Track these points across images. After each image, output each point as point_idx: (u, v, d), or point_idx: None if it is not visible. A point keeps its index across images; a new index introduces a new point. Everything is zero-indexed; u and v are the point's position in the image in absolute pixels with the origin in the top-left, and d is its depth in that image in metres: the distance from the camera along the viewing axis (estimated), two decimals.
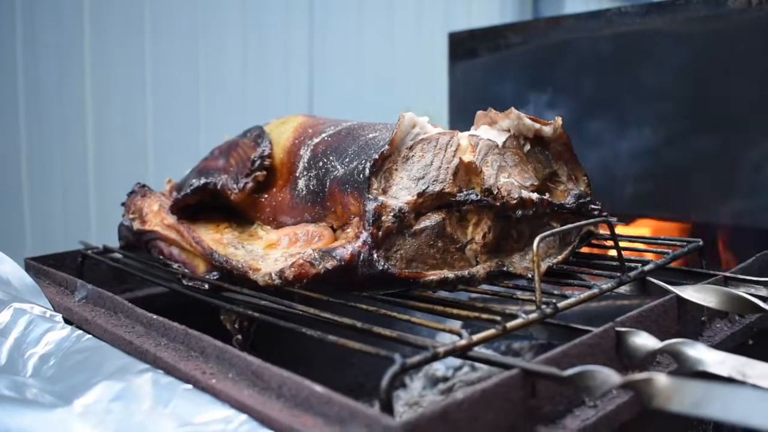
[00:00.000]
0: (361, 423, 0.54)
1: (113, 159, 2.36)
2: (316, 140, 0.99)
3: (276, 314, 0.78)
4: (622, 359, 0.71)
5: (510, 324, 0.69)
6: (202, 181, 1.04)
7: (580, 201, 0.91)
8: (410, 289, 0.83)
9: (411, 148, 0.85)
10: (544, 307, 0.72)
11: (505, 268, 0.85)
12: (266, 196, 1.04)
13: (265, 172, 1.04)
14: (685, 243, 0.95)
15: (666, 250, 0.93)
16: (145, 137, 2.44)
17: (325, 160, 0.94)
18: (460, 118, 1.69)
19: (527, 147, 0.90)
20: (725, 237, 1.36)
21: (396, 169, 0.85)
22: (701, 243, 0.95)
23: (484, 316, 0.69)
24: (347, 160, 0.90)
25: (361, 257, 0.80)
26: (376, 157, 0.83)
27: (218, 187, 1.03)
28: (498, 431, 0.58)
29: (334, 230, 0.93)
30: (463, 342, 0.64)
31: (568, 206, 0.89)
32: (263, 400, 0.62)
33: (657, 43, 1.32)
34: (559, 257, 0.90)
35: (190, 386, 0.65)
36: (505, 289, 0.83)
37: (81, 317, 0.91)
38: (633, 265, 0.86)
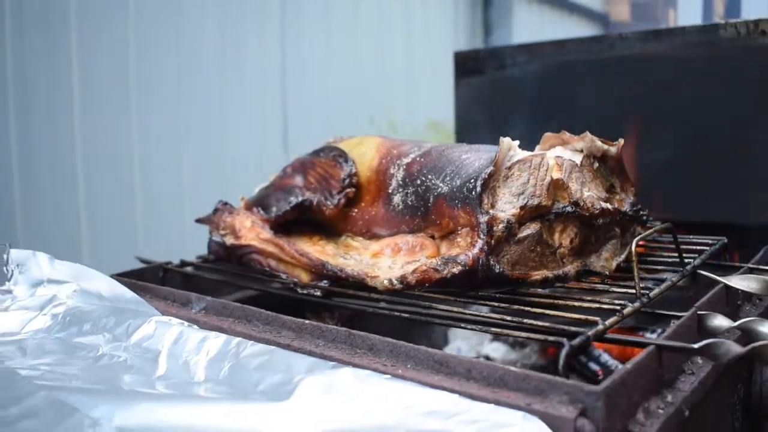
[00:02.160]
0: (561, 391, 0.70)
1: (101, 171, 2.38)
2: (406, 160, 1.14)
3: (418, 314, 0.92)
4: (703, 336, 0.90)
5: (626, 311, 0.86)
6: (299, 198, 1.16)
7: (635, 208, 1.10)
8: (516, 288, 0.99)
9: (510, 168, 1.01)
10: (642, 296, 0.91)
11: (587, 268, 1.03)
12: (356, 210, 1.18)
13: (354, 189, 1.17)
14: (715, 240, 1.16)
15: (702, 248, 1.13)
16: (131, 150, 2.48)
17: (423, 179, 1.09)
18: (467, 128, 1.86)
19: (596, 164, 1.08)
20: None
21: (499, 187, 1.01)
22: (726, 240, 1.16)
23: (605, 306, 0.87)
24: (448, 178, 1.05)
25: (480, 262, 0.96)
26: (486, 177, 0.99)
27: (314, 203, 1.16)
28: (646, 393, 0.75)
29: (433, 239, 1.08)
30: (601, 327, 0.81)
31: (629, 213, 1.08)
32: (457, 383, 0.77)
33: (655, 66, 1.54)
34: (622, 256, 1.08)
35: (388, 376, 0.78)
36: (589, 284, 1.01)
37: (215, 326, 1.02)
38: (687, 260, 1.06)
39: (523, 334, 0.81)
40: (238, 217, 1.21)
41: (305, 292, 1.08)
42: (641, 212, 1.10)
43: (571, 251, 1.02)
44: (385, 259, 1.07)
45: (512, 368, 0.73)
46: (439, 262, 0.98)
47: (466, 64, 1.85)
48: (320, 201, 1.15)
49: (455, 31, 3.79)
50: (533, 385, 0.72)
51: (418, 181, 1.09)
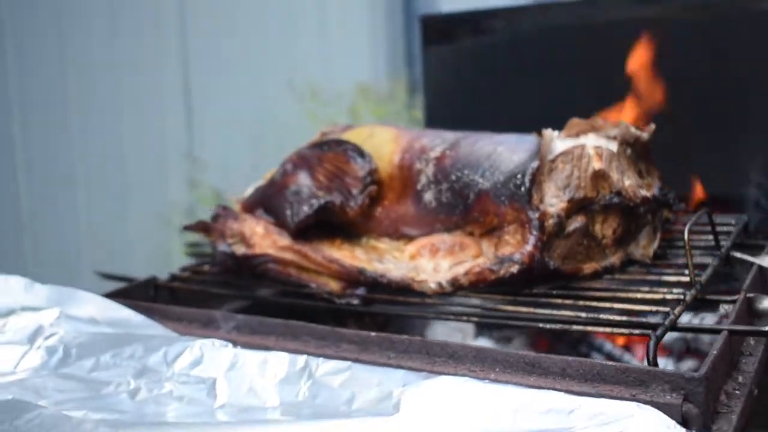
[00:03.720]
0: (662, 381, 0.92)
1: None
2: (434, 154, 1.32)
3: (491, 317, 1.12)
4: (752, 317, 1.17)
5: (688, 299, 1.10)
6: (322, 200, 1.32)
7: (663, 192, 1.35)
8: (568, 282, 1.21)
9: (553, 161, 1.23)
10: (695, 283, 1.15)
11: (630, 257, 1.27)
12: (380, 209, 1.35)
13: (376, 187, 1.35)
14: (737, 220, 1.43)
15: (728, 228, 1.40)
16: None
17: (459, 174, 1.28)
18: (438, 102, 2.06)
19: (628, 151, 1.31)
20: None
21: (544, 181, 1.22)
22: (747, 218, 1.43)
23: (669, 297, 1.10)
24: (488, 173, 1.25)
25: (536, 259, 1.17)
26: (534, 171, 1.20)
27: (337, 204, 1.32)
28: (724, 376, 0.99)
29: (471, 237, 1.28)
30: (673, 317, 1.05)
31: (661, 199, 1.32)
32: (554, 382, 0.97)
33: (650, 30, 1.80)
34: (656, 242, 1.33)
35: (487, 381, 0.98)
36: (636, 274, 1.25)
37: (258, 346, 1.17)
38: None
39: (607, 330, 1.03)
40: (246, 223, 1.35)
41: (344, 301, 1.25)
42: (669, 196, 1.35)
43: (614, 241, 1.25)
44: (424, 261, 1.26)
45: (610, 363, 0.95)
46: (494, 262, 1.18)
47: (435, 31, 2.04)
48: (343, 202, 1.32)
49: None
50: (633, 376, 0.94)
51: (453, 177, 1.28)
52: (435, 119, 2.04)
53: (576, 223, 1.20)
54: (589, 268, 1.20)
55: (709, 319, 1.55)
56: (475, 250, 1.24)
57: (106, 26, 2.64)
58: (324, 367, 1.06)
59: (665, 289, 1.13)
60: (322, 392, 1.03)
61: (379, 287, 1.26)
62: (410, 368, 1.04)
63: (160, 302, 1.41)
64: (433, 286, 1.20)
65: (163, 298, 1.41)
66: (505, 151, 1.26)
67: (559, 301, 1.14)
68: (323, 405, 1.01)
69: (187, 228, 1.44)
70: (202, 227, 1.42)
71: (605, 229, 1.23)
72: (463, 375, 1.00)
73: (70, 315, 1.32)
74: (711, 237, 1.30)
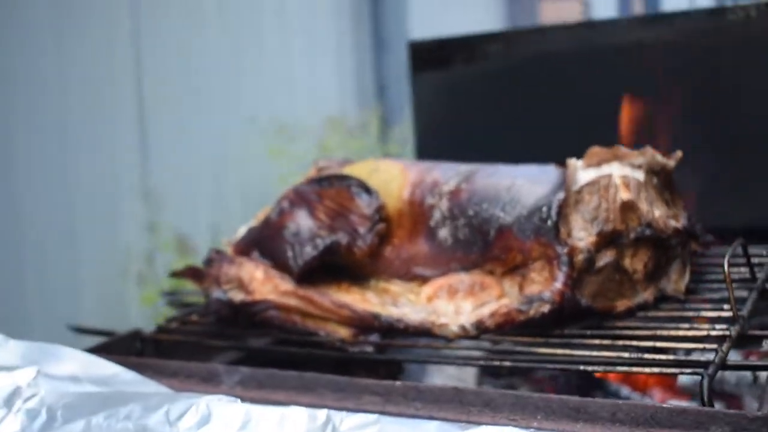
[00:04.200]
0: (722, 422, 0.95)
1: None
2: (447, 188, 1.35)
3: (528, 361, 1.14)
4: None
5: (733, 334, 1.13)
6: (327, 241, 1.33)
7: (691, 223, 1.39)
8: (601, 321, 1.23)
9: (579, 192, 1.26)
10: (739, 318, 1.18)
11: (662, 293, 1.30)
12: (389, 249, 1.37)
13: (384, 225, 1.36)
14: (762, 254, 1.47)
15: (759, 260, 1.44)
16: None
17: (477, 209, 1.30)
18: (429, 131, 2.09)
19: (654, 180, 1.35)
20: None
21: (570, 213, 1.24)
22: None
23: (713, 333, 1.13)
24: (509, 207, 1.27)
25: (566, 297, 1.19)
26: (560, 203, 1.22)
27: (343, 245, 1.33)
28: None
29: (491, 275, 1.30)
30: (722, 354, 1.07)
31: (691, 230, 1.36)
32: (603, 428, 0.99)
33: (652, 54, 1.86)
34: (687, 276, 1.36)
35: (532, 430, 0.99)
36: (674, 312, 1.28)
37: (269, 401, 1.16)
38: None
39: (655, 370, 1.05)
40: (244, 267, 1.35)
41: (357, 349, 1.25)
42: (696, 227, 1.39)
43: (645, 276, 1.28)
44: (443, 304, 1.27)
45: (664, 405, 0.97)
46: (521, 302, 1.20)
47: (426, 56, 2.08)
48: (350, 242, 1.33)
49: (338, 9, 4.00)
50: (691, 419, 0.96)
51: (471, 212, 1.30)
52: (426, 149, 2.07)
53: (606, 257, 1.23)
54: (621, 305, 1.23)
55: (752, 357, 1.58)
56: (498, 290, 1.25)
57: (54, 55, 2.64)
58: (349, 421, 1.05)
59: (707, 326, 1.16)
60: None
61: (393, 333, 1.26)
62: (443, 419, 1.04)
63: (148, 357, 1.39)
64: (455, 329, 1.21)
65: (150, 352, 1.40)
66: (525, 183, 1.29)
67: (597, 341, 1.16)
68: None
69: (175, 275, 1.43)
70: (192, 273, 1.41)
71: (636, 263, 1.26)
72: (504, 425, 1.01)
73: (49, 374, 1.30)
74: (743, 269, 1.34)
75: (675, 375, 1.06)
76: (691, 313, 1.23)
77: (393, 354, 1.26)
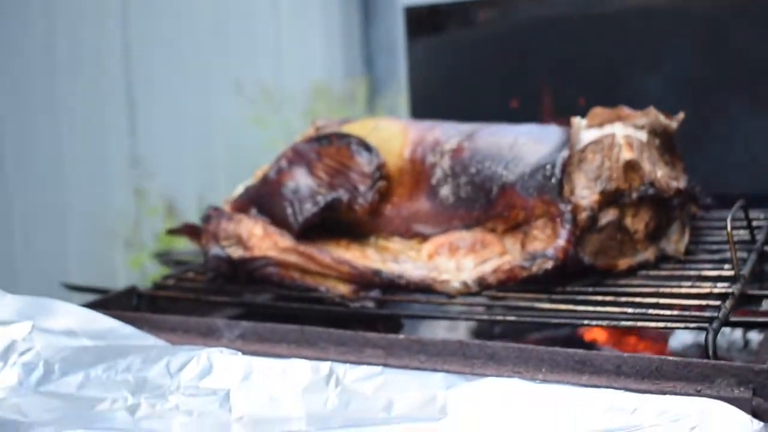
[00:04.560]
0: (728, 374, 0.95)
1: None
2: (449, 146, 1.34)
3: (532, 316, 1.14)
4: None
5: (736, 292, 1.14)
6: (329, 197, 1.32)
7: (691, 185, 1.39)
8: (602, 279, 1.24)
9: (583, 150, 1.25)
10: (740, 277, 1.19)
11: (663, 253, 1.30)
12: (389, 207, 1.36)
13: (385, 182, 1.36)
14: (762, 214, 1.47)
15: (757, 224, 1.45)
16: None
17: (480, 167, 1.30)
18: (425, 98, 2.08)
19: (656, 141, 1.35)
20: None
21: (574, 172, 1.24)
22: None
23: (716, 291, 1.14)
24: (512, 165, 1.27)
25: (569, 254, 1.19)
26: (564, 161, 1.22)
27: (344, 201, 1.33)
28: None
29: (492, 233, 1.29)
30: (725, 310, 1.08)
31: (691, 192, 1.36)
32: (609, 380, 0.99)
33: (659, 22, 1.85)
34: (686, 237, 1.37)
35: (537, 381, 0.99)
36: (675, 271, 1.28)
37: (270, 355, 1.16)
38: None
39: (660, 325, 1.06)
40: (243, 223, 1.34)
41: (358, 305, 1.25)
42: (696, 189, 1.40)
43: (646, 236, 1.28)
44: (444, 260, 1.27)
45: (669, 358, 0.97)
46: (524, 259, 1.19)
47: (421, 23, 2.06)
48: (351, 199, 1.32)
49: None
50: (697, 371, 0.96)
51: (473, 170, 1.30)
52: (420, 116, 2.05)
53: (608, 216, 1.23)
54: (623, 263, 1.23)
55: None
56: (500, 247, 1.25)
57: (42, 22, 2.60)
58: (353, 373, 1.05)
59: (709, 284, 1.17)
60: (354, 400, 1.02)
61: (394, 289, 1.26)
62: (449, 371, 1.04)
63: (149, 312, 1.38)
64: (457, 285, 1.21)
65: (146, 309, 1.39)
66: (528, 142, 1.28)
67: (599, 297, 1.16)
68: (358, 413, 1.01)
69: (172, 232, 1.42)
70: (189, 230, 1.40)
71: (637, 223, 1.26)
72: (509, 376, 1.01)
73: (45, 328, 1.29)
74: (742, 232, 1.34)
75: (680, 329, 1.07)
76: (692, 272, 1.24)
77: (394, 309, 1.25)
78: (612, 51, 1.92)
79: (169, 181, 3.00)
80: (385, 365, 1.07)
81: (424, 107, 2.12)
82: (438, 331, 1.67)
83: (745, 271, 1.20)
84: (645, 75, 1.87)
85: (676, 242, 1.31)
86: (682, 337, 1.69)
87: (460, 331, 1.93)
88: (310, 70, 3.73)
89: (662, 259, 1.30)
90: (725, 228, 1.35)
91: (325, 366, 1.07)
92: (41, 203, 2.56)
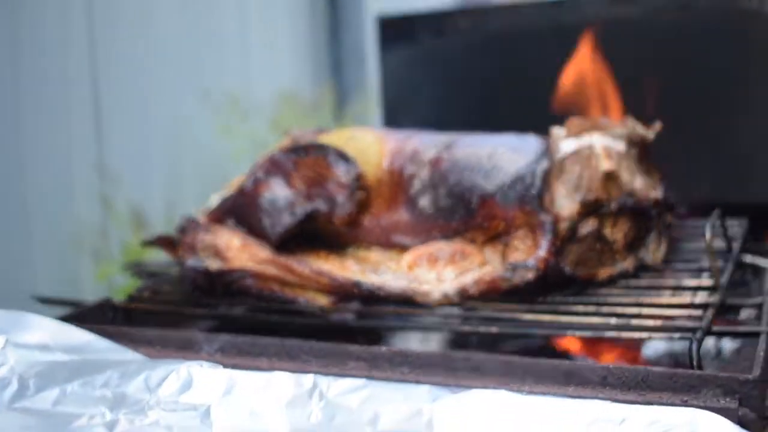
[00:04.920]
0: (713, 385, 0.95)
1: None
2: (427, 157, 1.33)
3: (515, 327, 1.14)
4: None
5: (715, 302, 1.14)
6: (307, 208, 1.31)
7: (667, 195, 1.40)
8: (583, 289, 1.24)
9: (562, 161, 1.26)
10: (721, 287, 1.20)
11: (642, 262, 1.31)
12: (368, 217, 1.35)
13: (364, 193, 1.35)
14: (738, 222, 1.49)
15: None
16: None
17: (459, 177, 1.29)
18: (398, 108, 2.08)
19: (632, 151, 1.36)
20: None
21: (553, 182, 1.24)
22: (747, 221, 1.50)
23: (696, 301, 1.14)
24: (491, 175, 1.27)
25: (550, 264, 1.19)
26: (544, 172, 1.22)
27: (323, 212, 1.32)
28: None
29: (472, 245, 1.29)
30: (707, 321, 1.08)
31: (668, 202, 1.37)
32: (595, 391, 0.99)
33: (625, 33, 1.87)
34: (663, 247, 1.38)
35: (523, 392, 0.99)
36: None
37: (250, 368, 1.14)
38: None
39: (644, 335, 1.06)
40: (220, 235, 1.32)
41: (337, 317, 1.24)
42: (670, 199, 1.41)
43: (624, 246, 1.29)
44: (424, 272, 1.26)
45: (655, 368, 0.97)
46: (506, 270, 1.19)
47: (394, 32, 2.06)
48: (329, 209, 1.31)
49: None
50: (682, 382, 0.96)
51: (452, 181, 1.30)
52: (394, 125, 2.05)
53: (588, 226, 1.23)
54: (603, 273, 1.24)
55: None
56: (480, 258, 1.25)
57: (6, 28, 2.55)
58: (337, 386, 1.04)
59: (689, 294, 1.17)
60: (339, 413, 1.01)
61: (373, 301, 1.25)
62: (433, 383, 1.03)
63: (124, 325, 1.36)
64: (437, 296, 1.21)
65: (121, 323, 1.36)
66: (507, 152, 1.28)
67: (581, 308, 1.16)
68: (343, 427, 1.00)
69: (147, 244, 1.40)
70: (165, 241, 1.38)
71: (615, 233, 1.27)
72: (496, 388, 1.01)
73: (17, 342, 1.26)
74: (716, 240, 1.35)
75: (663, 339, 1.07)
76: (671, 282, 1.25)
77: (376, 321, 1.24)
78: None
79: (136, 190, 2.97)
80: (369, 377, 1.06)
81: (396, 116, 2.12)
82: (414, 343, 1.66)
83: (724, 280, 1.21)
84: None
85: (653, 251, 1.32)
86: (655, 346, 1.71)
87: (433, 344, 1.93)
88: (278, 78, 3.72)
89: (641, 268, 1.31)
90: (701, 237, 1.37)
91: (308, 379, 1.06)
92: (3, 212, 2.52)
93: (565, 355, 1.85)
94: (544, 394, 0.98)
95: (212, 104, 3.23)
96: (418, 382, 1.05)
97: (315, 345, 1.13)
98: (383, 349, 1.09)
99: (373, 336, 1.38)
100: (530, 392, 0.99)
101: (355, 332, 1.31)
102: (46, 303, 1.48)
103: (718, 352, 1.62)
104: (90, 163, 2.84)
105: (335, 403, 1.02)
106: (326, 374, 1.08)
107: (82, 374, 1.14)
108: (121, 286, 2.76)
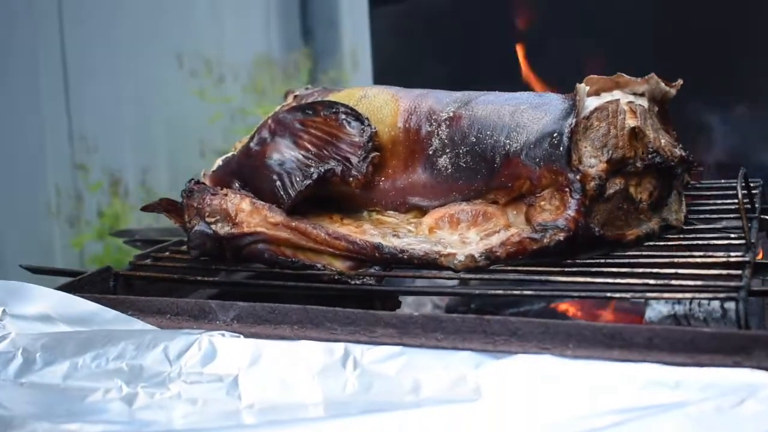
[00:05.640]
0: (765, 344, 0.92)
1: None
2: (445, 115, 1.28)
3: (552, 290, 1.10)
4: None
5: (751, 260, 1.11)
6: (321, 169, 1.25)
7: (687, 153, 1.36)
8: (611, 250, 1.20)
9: (588, 118, 1.21)
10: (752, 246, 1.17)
11: (666, 222, 1.28)
12: (382, 179, 1.30)
13: (379, 154, 1.29)
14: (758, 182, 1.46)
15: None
16: None
17: (480, 136, 1.24)
18: (389, 68, 2.02)
19: (656, 108, 1.32)
20: None
21: (580, 140, 1.20)
22: (761, 181, 1.48)
23: (732, 260, 1.11)
24: (514, 134, 1.22)
25: (579, 225, 1.15)
26: (571, 129, 1.18)
27: (338, 173, 1.26)
28: None
29: (495, 205, 1.25)
30: (747, 279, 1.05)
31: (691, 160, 1.33)
32: (641, 353, 0.95)
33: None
34: (684, 206, 1.34)
35: (567, 357, 0.95)
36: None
37: (273, 337, 1.09)
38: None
39: (688, 296, 1.03)
40: (228, 198, 1.26)
41: (359, 282, 1.19)
42: (690, 156, 1.37)
43: (649, 206, 1.25)
44: (446, 234, 1.22)
45: (705, 329, 0.94)
46: (535, 230, 1.15)
47: None
48: (344, 170, 1.25)
49: None
50: (733, 342, 0.93)
51: (473, 139, 1.25)
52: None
53: (615, 185, 1.20)
54: (631, 234, 1.20)
55: None
56: (503, 220, 1.21)
57: None
58: (371, 353, 1.00)
59: (722, 253, 1.14)
60: (376, 382, 0.97)
61: (395, 265, 1.21)
62: (471, 349, 0.99)
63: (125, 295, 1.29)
64: (462, 259, 1.16)
65: (122, 291, 1.30)
66: (530, 109, 1.24)
67: (614, 269, 1.12)
68: (382, 396, 0.95)
69: (148, 208, 1.33)
70: (166, 206, 1.32)
71: (641, 192, 1.23)
72: (537, 353, 0.97)
73: (16, 314, 1.20)
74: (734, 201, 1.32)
75: (708, 300, 1.04)
76: (699, 242, 1.21)
77: (404, 285, 1.20)
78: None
79: (110, 155, 2.87)
80: (401, 344, 1.02)
81: (387, 78, 2.06)
82: (424, 309, 1.63)
83: (754, 240, 1.18)
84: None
85: (676, 211, 1.28)
86: (658, 308, 1.69)
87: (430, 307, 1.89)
88: (251, 43, 3.62)
89: (665, 228, 1.27)
90: (722, 196, 1.34)
91: (339, 347, 1.01)
92: None
93: (564, 317, 1.83)
94: (588, 358, 0.95)
95: (185, 69, 3.14)
96: (454, 348, 1.00)
97: (340, 311, 1.08)
98: (415, 314, 1.05)
99: (394, 303, 1.33)
100: (574, 356, 0.95)
101: (375, 297, 1.26)
102: (37, 273, 1.41)
103: (724, 312, 1.60)
104: (62, 129, 2.74)
105: (371, 371, 0.98)
106: (355, 342, 1.03)
107: (93, 346, 1.09)
108: (94, 254, 2.68)
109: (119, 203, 2.81)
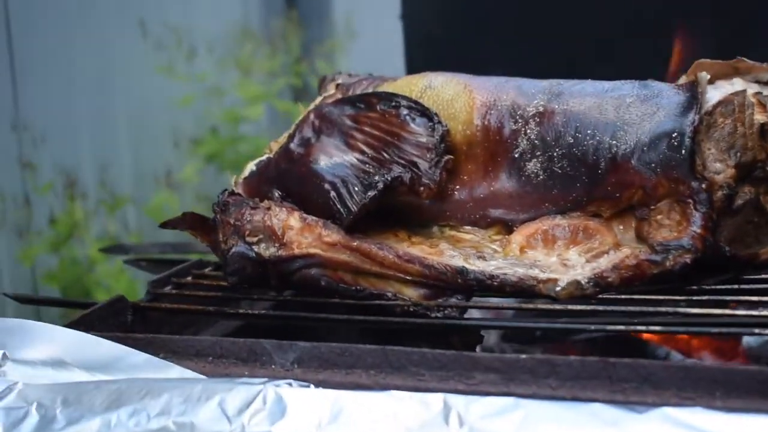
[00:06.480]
0: None
1: None
2: (532, 110, 1.28)
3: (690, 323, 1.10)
4: None
5: None
6: (387, 177, 1.24)
7: None
8: (740, 273, 1.21)
9: (710, 113, 1.22)
10: None
11: None
12: (457, 187, 1.30)
13: (452, 157, 1.29)
14: None
15: None
16: None
17: (579, 136, 1.25)
18: (421, 50, 2.02)
19: None
20: None
21: (702, 140, 1.21)
22: None
23: None
24: (621, 133, 1.22)
25: (707, 243, 1.16)
26: (694, 128, 1.18)
27: (406, 181, 1.25)
28: None
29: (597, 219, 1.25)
30: None
31: None
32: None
33: None
34: None
35: (720, 411, 0.95)
36: None
37: (345, 384, 1.09)
38: None
39: None
40: (273, 213, 1.25)
41: (439, 314, 1.19)
42: None
43: None
44: (540, 255, 1.22)
45: (752, 367, 0.95)
46: (655, 250, 1.16)
47: None
48: (413, 178, 1.25)
49: None
50: None
51: (570, 139, 1.25)
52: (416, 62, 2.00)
53: (745, 195, 1.20)
54: (765, 253, 1.21)
55: None
56: (611, 237, 1.21)
57: None
58: (478, 407, 0.99)
59: None
60: None
61: (482, 292, 1.21)
62: (592, 400, 0.99)
63: (139, 331, 1.29)
64: (565, 285, 1.16)
65: (140, 328, 1.29)
66: (637, 102, 1.24)
67: (755, 298, 1.13)
68: None
69: (167, 225, 1.32)
70: (193, 222, 1.30)
71: None
72: (677, 404, 0.97)
73: (20, 359, 1.19)
74: None
75: None
76: None
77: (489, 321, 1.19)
78: None
79: (62, 149, 2.84)
80: (506, 394, 1.02)
81: (420, 58, 2.07)
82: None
83: None
84: None
85: None
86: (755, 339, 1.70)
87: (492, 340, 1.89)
88: (225, 6, 3.60)
89: None
90: None
91: (435, 398, 1.01)
92: None
93: (645, 349, 1.84)
94: (746, 411, 0.95)
95: (150, 39, 3.11)
96: (574, 398, 1.00)
97: (428, 353, 1.08)
98: (522, 356, 1.05)
99: (475, 339, 1.33)
100: (728, 409, 0.96)
101: (451, 334, 1.26)
102: (26, 303, 1.39)
103: None
104: (5, 118, 2.71)
105: (481, 429, 0.97)
106: (450, 391, 1.03)
107: (129, 400, 1.08)
108: (48, 270, 2.66)
109: (76, 207, 2.78)
